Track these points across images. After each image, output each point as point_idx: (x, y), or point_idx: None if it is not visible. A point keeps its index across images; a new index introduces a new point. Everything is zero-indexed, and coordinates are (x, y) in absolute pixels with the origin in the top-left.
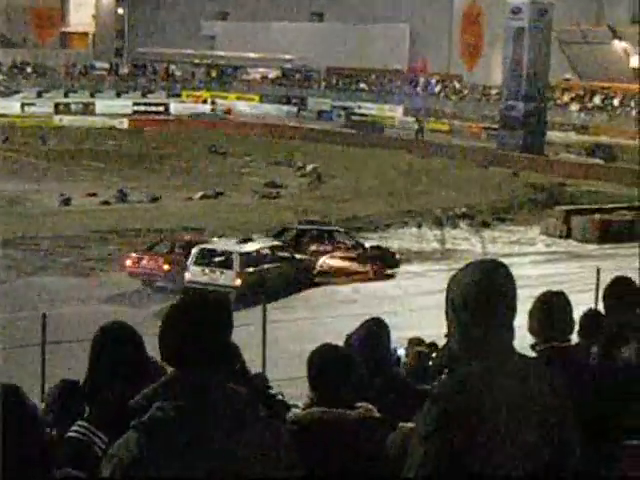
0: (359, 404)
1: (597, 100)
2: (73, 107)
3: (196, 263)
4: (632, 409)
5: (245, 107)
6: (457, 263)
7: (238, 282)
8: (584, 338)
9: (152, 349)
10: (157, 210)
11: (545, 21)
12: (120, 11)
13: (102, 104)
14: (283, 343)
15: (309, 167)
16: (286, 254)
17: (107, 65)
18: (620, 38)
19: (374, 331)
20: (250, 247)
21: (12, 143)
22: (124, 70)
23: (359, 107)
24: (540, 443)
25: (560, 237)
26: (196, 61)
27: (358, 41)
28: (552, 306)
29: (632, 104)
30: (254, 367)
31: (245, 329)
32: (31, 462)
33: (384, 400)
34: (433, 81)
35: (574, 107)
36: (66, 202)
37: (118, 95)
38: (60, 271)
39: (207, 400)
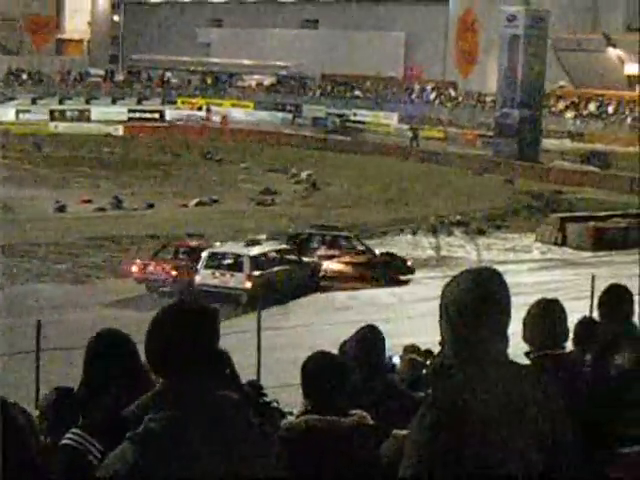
0: (353, 411)
1: (592, 107)
2: (68, 114)
3: (206, 266)
4: (626, 417)
5: (240, 114)
6: (452, 270)
7: (248, 285)
8: (579, 346)
9: None
10: (152, 217)
11: (540, 29)
12: (116, 18)
13: (97, 111)
14: (278, 350)
15: (304, 174)
16: (293, 257)
17: (102, 72)
18: (615, 46)
19: (369, 338)
20: (259, 250)
21: (7, 150)
22: (119, 77)
23: (354, 114)
24: (534, 450)
25: (555, 244)
26: (191, 68)
27: (353, 48)
28: (546, 314)
29: (627, 111)
30: (250, 374)
31: (242, 335)
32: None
33: (379, 407)
34: (428, 88)
35: (569, 114)
36: (61, 209)
37: (113, 102)
38: (55, 278)
39: (199, 409)
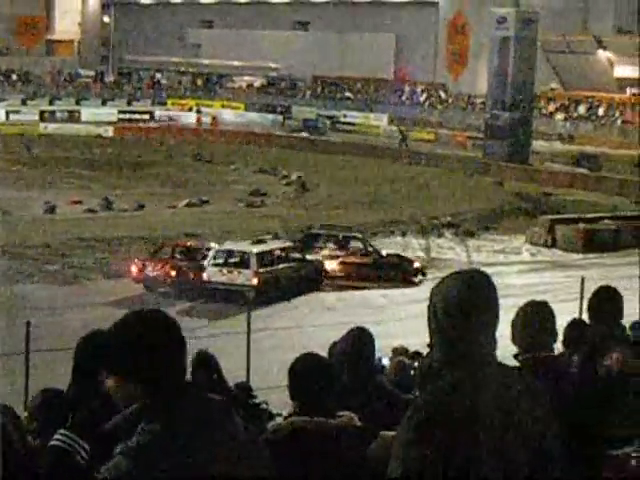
0: (341, 413)
1: (582, 110)
2: (58, 115)
3: (213, 264)
4: (613, 419)
5: (230, 115)
6: (442, 272)
7: (255, 281)
8: (568, 348)
9: None
10: (142, 218)
11: (530, 31)
12: (106, 19)
13: (87, 112)
14: (268, 351)
15: (294, 176)
16: (298, 255)
17: (92, 73)
18: (605, 48)
19: (359, 340)
20: (265, 247)
21: None
22: (110, 78)
23: (344, 116)
24: (522, 452)
25: (545, 246)
26: (182, 69)
27: (344, 50)
28: (535, 316)
29: (617, 114)
30: (240, 376)
31: (234, 337)
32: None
33: (368, 409)
34: (418, 90)
35: (559, 117)
36: (51, 210)
37: (103, 103)
38: (45, 279)
39: (187, 416)
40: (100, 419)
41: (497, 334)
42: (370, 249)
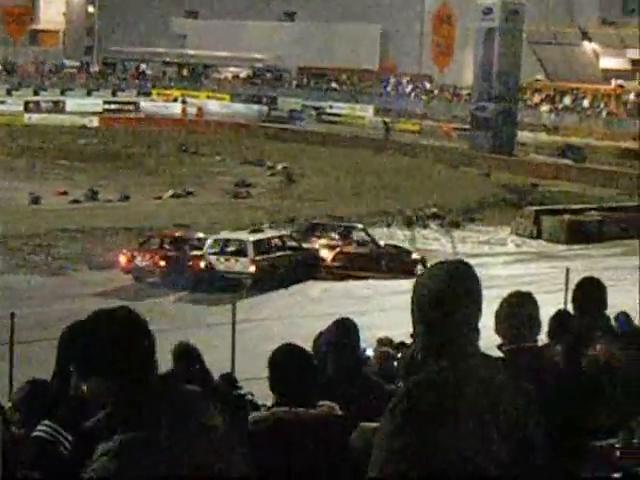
0: (321, 402)
1: (567, 101)
2: (43, 105)
3: (212, 252)
4: (597, 410)
5: (216, 106)
6: (427, 263)
7: (253, 269)
8: (553, 339)
9: None
10: (127, 209)
11: (516, 22)
12: (91, 9)
13: (72, 102)
14: (254, 342)
15: (279, 166)
16: (294, 244)
17: (77, 63)
18: (590, 39)
19: (343, 331)
20: (261, 236)
21: None
22: (95, 68)
23: (330, 107)
24: (504, 441)
25: (530, 237)
26: (167, 60)
27: (329, 41)
28: (519, 307)
29: (602, 105)
30: (224, 367)
31: (221, 327)
32: None
33: (352, 399)
34: (404, 81)
35: (545, 108)
36: (36, 201)
37: (88, 93)
38: (31, 270)
39: (167, 411)
40: (83, 410)
41: (480, 325)
42: (368, 239)
